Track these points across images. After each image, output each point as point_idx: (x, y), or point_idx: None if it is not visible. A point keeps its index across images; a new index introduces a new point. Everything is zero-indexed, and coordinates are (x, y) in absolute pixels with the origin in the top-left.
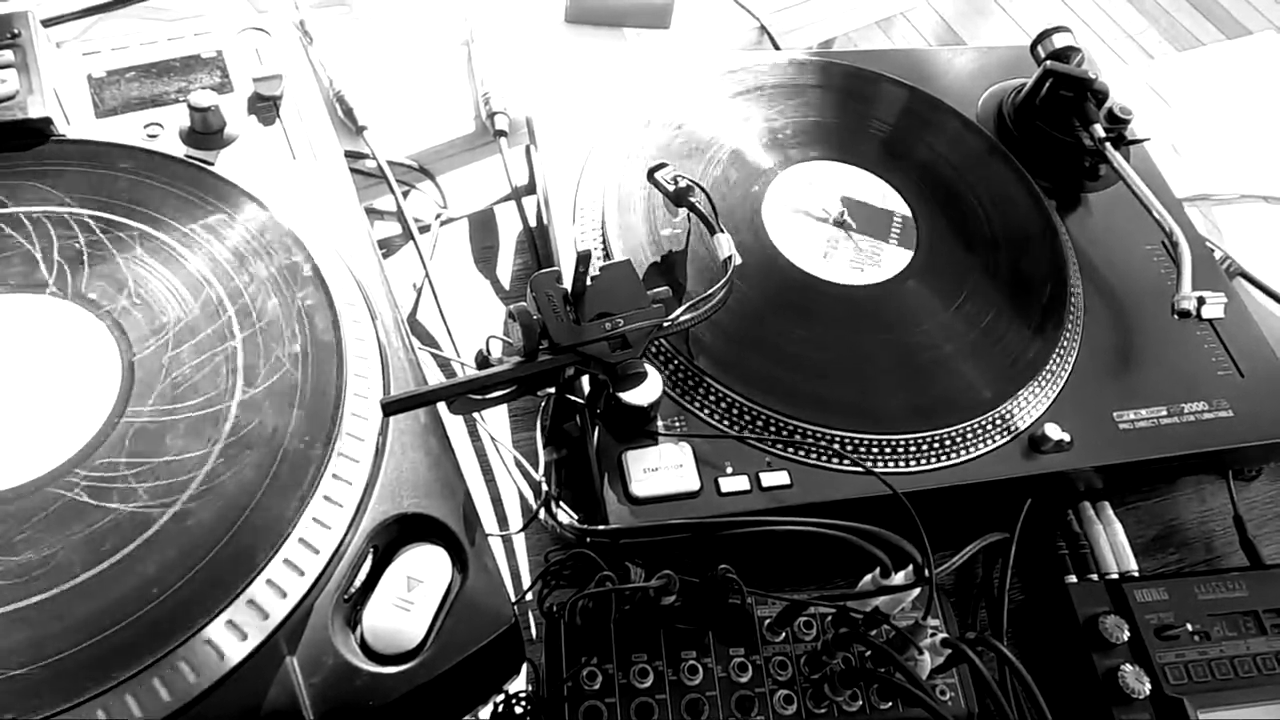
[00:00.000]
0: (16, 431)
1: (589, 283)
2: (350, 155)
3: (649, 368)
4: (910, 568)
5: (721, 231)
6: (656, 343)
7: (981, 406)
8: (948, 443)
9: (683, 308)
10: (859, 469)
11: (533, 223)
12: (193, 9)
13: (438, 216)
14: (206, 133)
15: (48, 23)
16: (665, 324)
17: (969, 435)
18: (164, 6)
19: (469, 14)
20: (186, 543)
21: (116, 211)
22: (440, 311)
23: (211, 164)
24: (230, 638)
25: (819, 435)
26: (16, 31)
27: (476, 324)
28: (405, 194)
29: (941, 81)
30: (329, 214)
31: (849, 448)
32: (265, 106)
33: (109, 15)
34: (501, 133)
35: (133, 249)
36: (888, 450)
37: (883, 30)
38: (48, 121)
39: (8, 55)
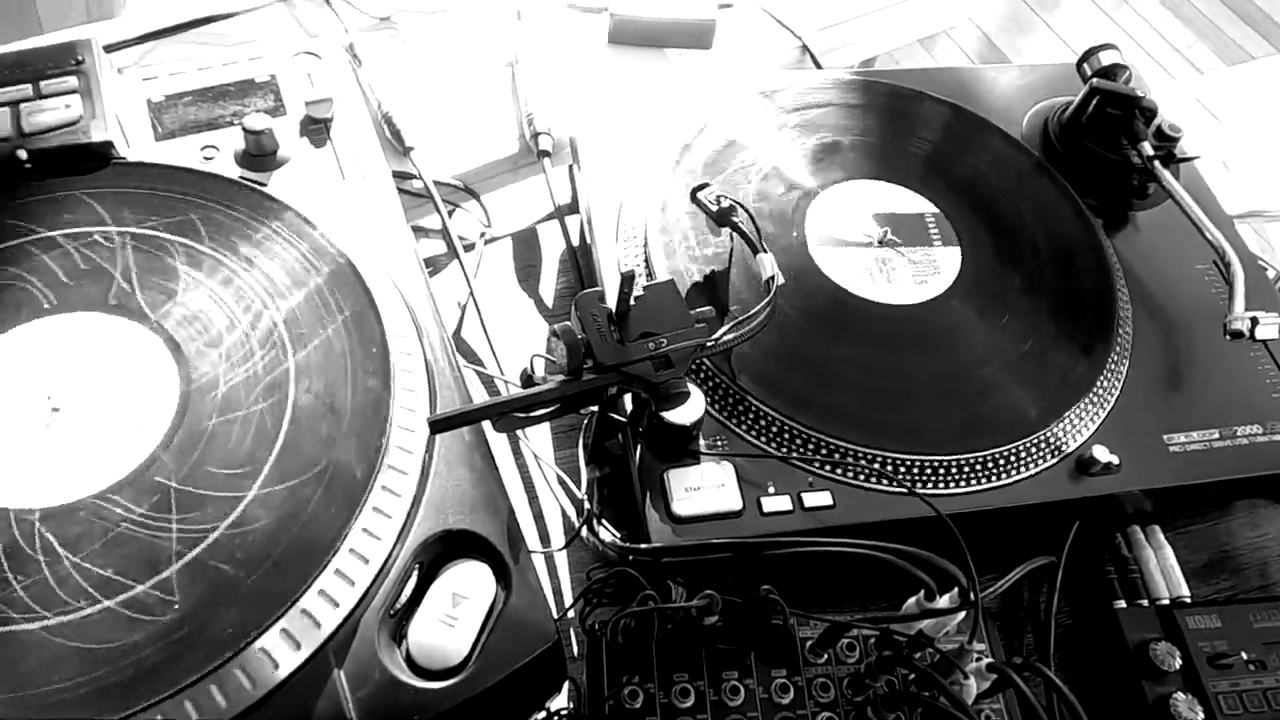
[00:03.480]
0: (81, 445)
1: (633, 302)
2: (398, 175)
3: (692, 387)
4: (955, 591)
5: (764, 251)
6: (698, 362)
7: (1028, 427)
8: (993, 464)
9: (726, 328)
10: (902, 490)
11: (575, 242)
12: (247, 34)
13: (482, 235)
14: (260, 155)
15: (109, 48)
16: (708, 344)
17: (1015, 456)
18: (219, 32)
19: (513, 36)
20: (242, 554)
21: (174, 232)
22: (484, 329)
23: (265, 185)
24: (284, 646)
25: (862, 455)
26: (81, 58)
27: (520, 341)
28: (450, 213)
29: (986, 100)
30: (377, 233)
31: (892, 468)
32: (316, 129)
33: (166, 40)
34: (545, 153)
35: (190, 269)
36: (932, 471)
37: (925, 48)
38: (109, 145)
39: (72, 81)
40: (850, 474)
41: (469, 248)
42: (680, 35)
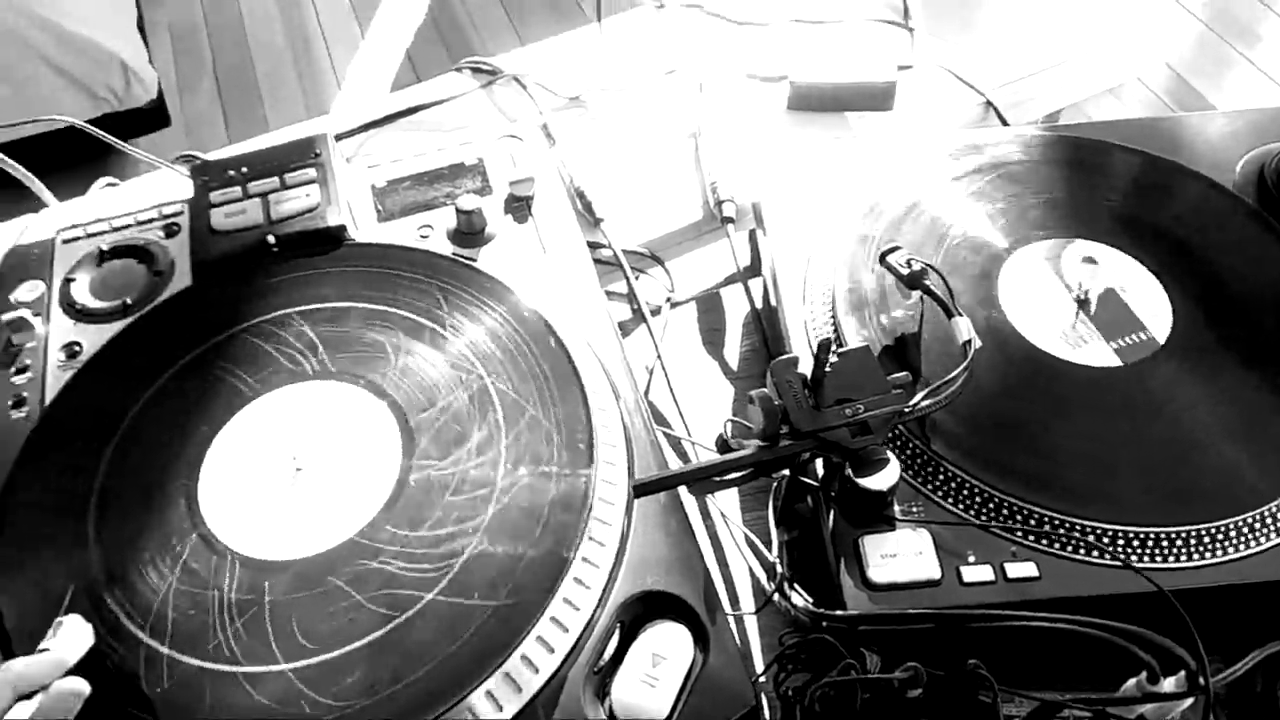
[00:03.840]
0: (318, 502)
1: (828, 369)
2: (589, 245)
3: (887, 452)
4: (1182, 674)
5: (959, 315)
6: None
7: (1256, 498)
8: (1219, 537)
9: (922, 393)
10: (1115, 562)
11: (759, 304)
12: (456, 120)
13: (667, 300)
14: (470, 232)
15: (337, 138)
16: (906, 410)
17: (1242, 529)
18: (427, 118)
19: (695, 108)
20: (451, 618)
21: (398, 306)
22: (671, 391)
23: (474, 260)
24: (488, 707)
25: (1068, 525)
26: (318, 152)
27: (706, 403)
28: (636, 278)
29: (1190, 149)
30: (575, 302)
31: (1107, 540)
32: (519, 206)
33: (383, 128)
34: (729, 219)
35: (411, 339)
36: (1149, 544)
37: (1114, 95)
38: (343, 228)
39: (311, 173)
40: (1056, 544)
41: (655, 312)
42: (860, 98)
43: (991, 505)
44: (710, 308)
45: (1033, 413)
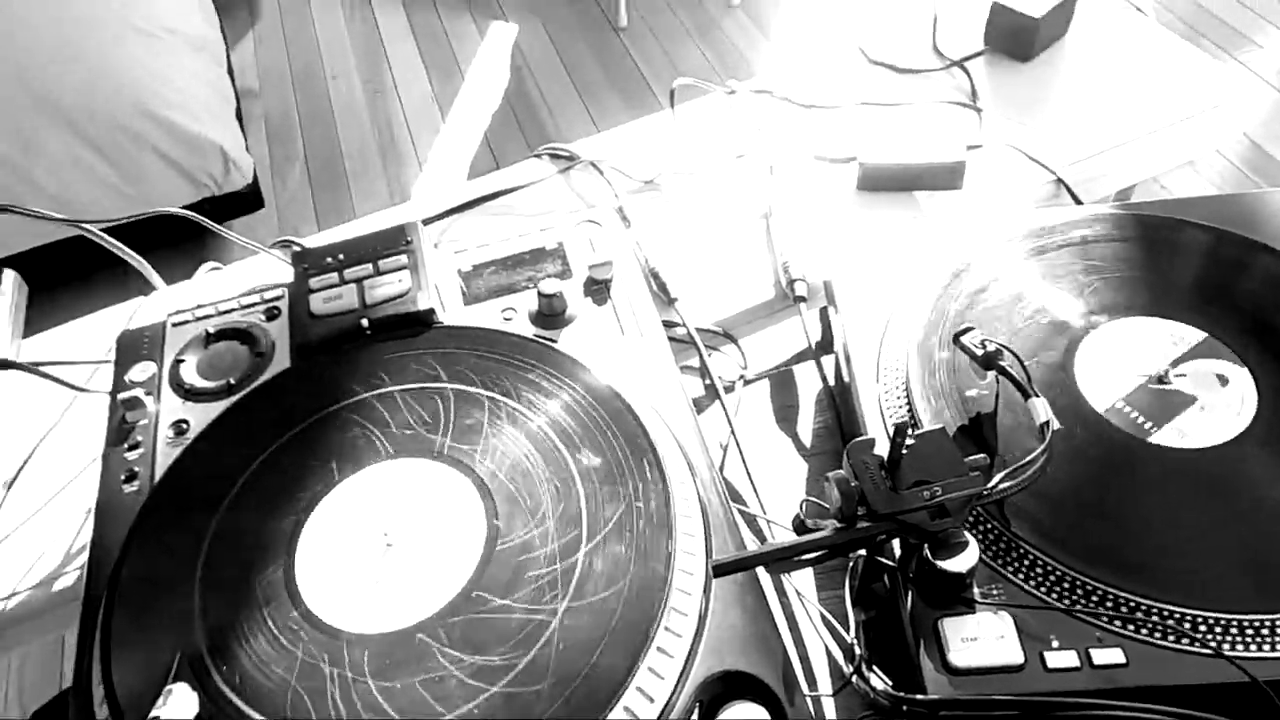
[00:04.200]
0: (408, 577)
1: (904, 450)
2: (664, 323)
3: (967, 534)
4: None
5: (1036, 396)
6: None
7: None
8: None
9: (1000, 475)
10: (1207, 650)
11: (831, 381)
12: (535, 204)
13: (740, 377)
14: (551, 314)
15: (424, 222)
16: (984, 493)
17: None
18: (507, 203)
19: (766, 189)
20: (538, 687)
21: (484, 386)
22: (745, 468)
23: (555, 342)
24: None
25: (1156, 611)
26: (409, 239)
27: (780, 480)
28: (710, 355)
29: (1269, 224)
30: (652, 381)
31: (1204, 627)
32: (598, 289)
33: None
34: (801, 298)
35: (496, 419)
36: (1242, 631)
37: (1191, 166)
38: (432, 312)
39: (403, 259)
40: (1144, 630)
41: (729, 389)
42: (930, 178)
43: (1075, 589)
44: (783, 385)
45: (1116, 495)
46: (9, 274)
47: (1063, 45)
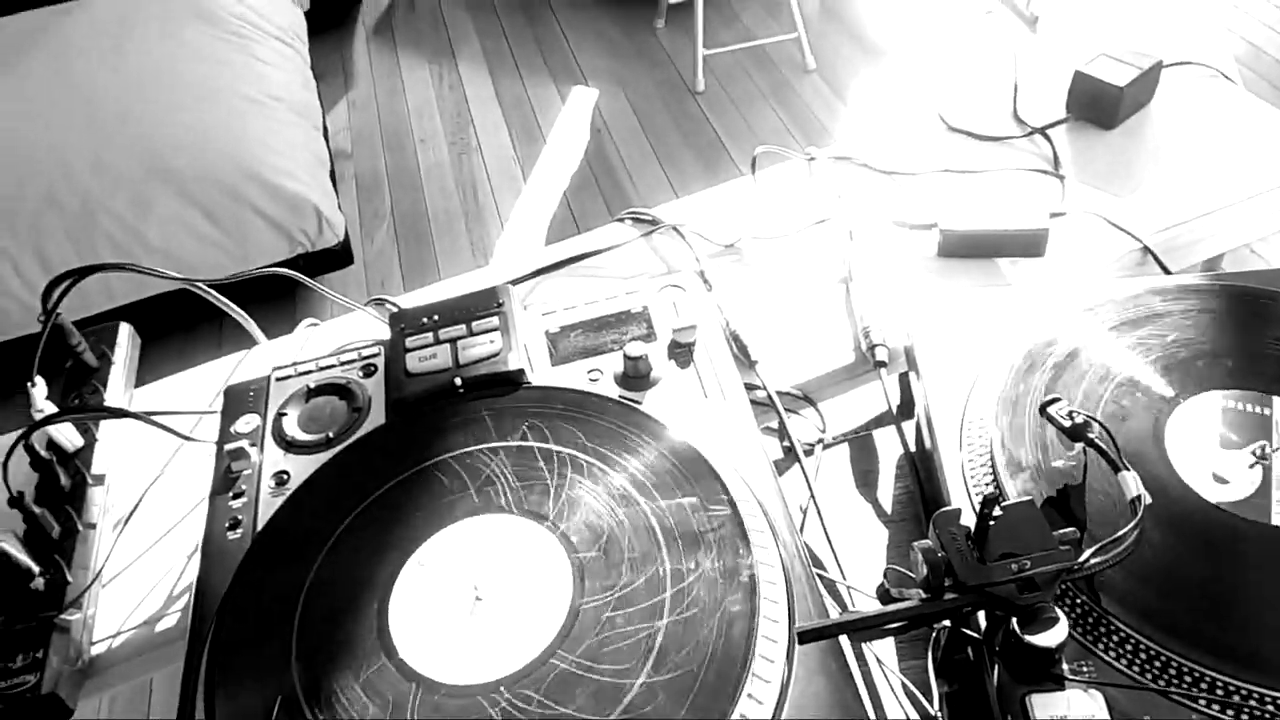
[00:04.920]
0: (496, 632)
1: (991, 522)
2: (745, 386)
3: (1057, 610)
4: None
5: (1126, 469)
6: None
7: None
8: None
9: (1090, 550)
10: None
11: (912, 447)
12: (617, 267)
13: (819, 440)
14: (636, 376)
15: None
16: (1074, 568)
17: None
18: (592, 265)
19: (846, 254)
20: None
21: (572, 446)
22: (826, 533)
23: (640, 403)
24: None
25: (1257, 696)
26: (501, 302)
27: (860, 545)
28: (789, 418)
29: None
30: (735, 444)
31: None
32: (682, 352)
33: (551, 275)
34: (881, 363)
35: (584, 479)
36: None
37: None
38: (521, 372)
39: (494, 320)
40: (1245, 716)
41: (808, 452)
42: (1012, 245)
43: (1169, 669)
44: (863, 449)
45: (1213, 573)
46: (125, 328)
47: (1148, 113)
